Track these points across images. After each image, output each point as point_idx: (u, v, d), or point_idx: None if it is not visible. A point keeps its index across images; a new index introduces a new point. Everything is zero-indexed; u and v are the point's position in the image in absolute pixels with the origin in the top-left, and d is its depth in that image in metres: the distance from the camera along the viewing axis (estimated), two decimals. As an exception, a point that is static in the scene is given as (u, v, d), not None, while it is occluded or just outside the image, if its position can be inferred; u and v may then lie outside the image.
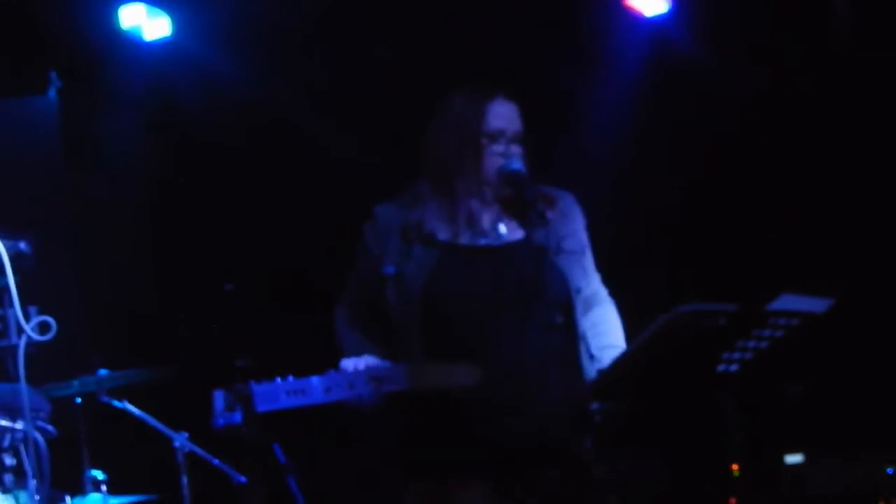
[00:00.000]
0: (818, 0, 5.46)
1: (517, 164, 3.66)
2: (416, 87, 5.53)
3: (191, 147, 5.91)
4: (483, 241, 3.70)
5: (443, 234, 3.69)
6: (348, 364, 3.47)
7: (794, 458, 4.94)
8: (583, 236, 3.76)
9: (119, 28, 5.68)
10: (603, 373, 3.47)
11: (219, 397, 3.34)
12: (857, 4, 5.40)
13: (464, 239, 3.69)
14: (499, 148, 3.69)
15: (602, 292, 3.72)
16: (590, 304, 3.66)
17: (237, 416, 3.29)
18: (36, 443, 3.56)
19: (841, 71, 5.40)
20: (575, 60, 5.64)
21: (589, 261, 3.74)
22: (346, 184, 5.79)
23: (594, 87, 5.63)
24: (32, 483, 3.49)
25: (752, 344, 3.18)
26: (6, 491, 3.74)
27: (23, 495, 3.69)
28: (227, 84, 5.73)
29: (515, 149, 3.71)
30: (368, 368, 3.40)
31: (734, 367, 3.21)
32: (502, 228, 3.71)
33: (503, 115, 3.71)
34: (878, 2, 5.36)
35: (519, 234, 3.66)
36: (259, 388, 3.33)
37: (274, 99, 5.79)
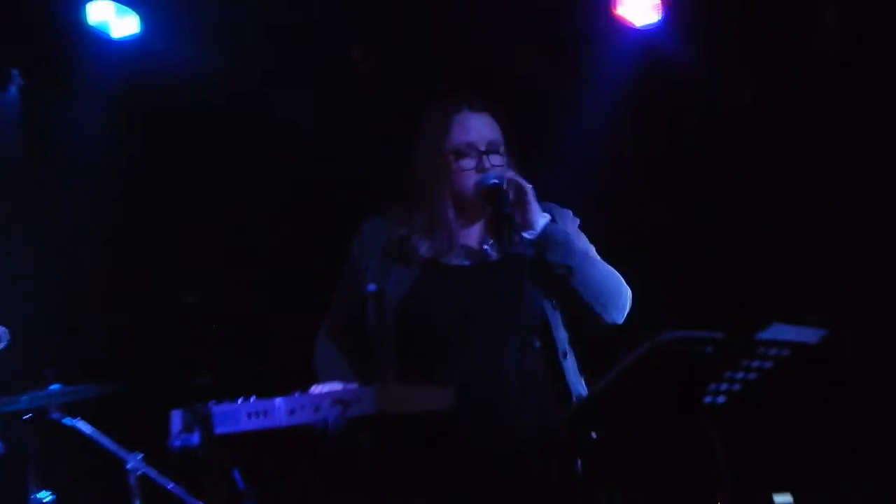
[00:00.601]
0: (807, 9, 5.48)
1: (492, 179, 3.67)
2: (396, 95, 5.54)
3: (158, 149, 5.87)
4: (465, 261, 3.73)
5: (425, 252, 3.72)
6: (316, 387, 3.48)
7: (782, 499, 4.91)
8: (580, 236, 3.77)
9: (86, 24, 5.67)
10: (580, 402, 3.49)
11: (176, 417, 3.32)
12: (844, 12, 5.41)
13: (446, 257, 3.72)
14: (468, 163, 3.71)
15: None
16: None
17: (195, 438, 3.26)
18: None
19: (831, 79, 5.42)
20: (564, 71, 5.65)
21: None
22: (323, 190, 5.79)
23: (583, 97, 5.63)
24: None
25: (740, 375, 3.15)
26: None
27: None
28: (197, 84, 5.71)
29: (495, 160, 3.71)
30: (334, 391, 3.38)
31: (721, 399, 3.19)
32: (487, 246, 3.73)
33: (471, 127, 3.74)
34: (866, 9, 5.38)
35: (504, 252, 3.67)
36: (219, 409, 3.30)
37: (245, 99, 5.75)
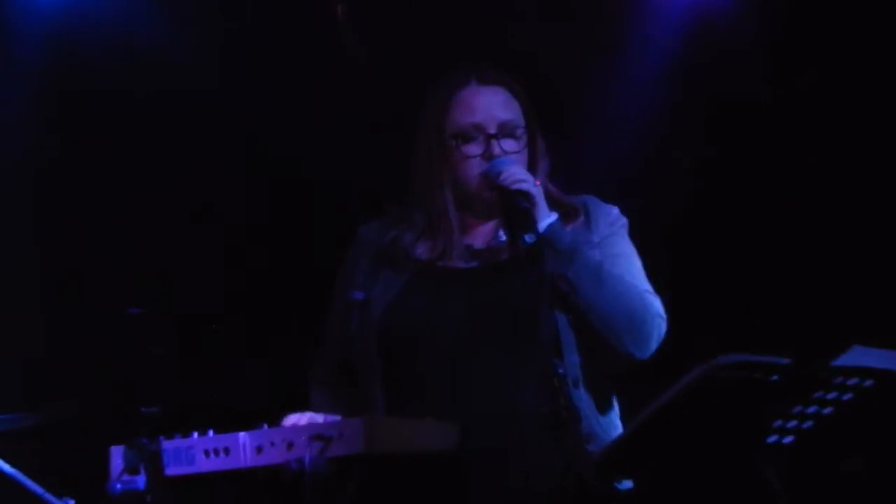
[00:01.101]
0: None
1: (504, 166, 3.69)
2: (395, 72, 5.54)
3: (93, 131, 5.85)
4: (468, 263, 3.75)
5: (422, 254, 3.74)
6: (289, 419, 3.49)
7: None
8: (619, 242, 3.79)
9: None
10: (614, 441, 3.47)
11: (117, 455, 3.33)
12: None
13: (445, 260, 3.75)
14: (474, 148, 3.73)
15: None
16: None
17: (140, 481, 3.26)
18: None
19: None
20: (595, 48, 5.64)
21: (630, 272, 3.75)
22: (288, 181, 5.78)
23: (617, 78, 5.63)
24: None
25: (812, 409, 3.16)
26: None
27: None
28: (143, 55, 5.69)
29: (508, 145, 3.73)
30: (313, 424, 3.39)
31: (789, 440, 3.20)
32: (497, 245, 3.75)
33: (477, 105, 3.76)
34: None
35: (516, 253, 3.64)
36: (170, 445, 3.32)
37: (199, 76, 5.74)
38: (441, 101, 3.79)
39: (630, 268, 3.78)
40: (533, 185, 3.65)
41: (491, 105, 3.76)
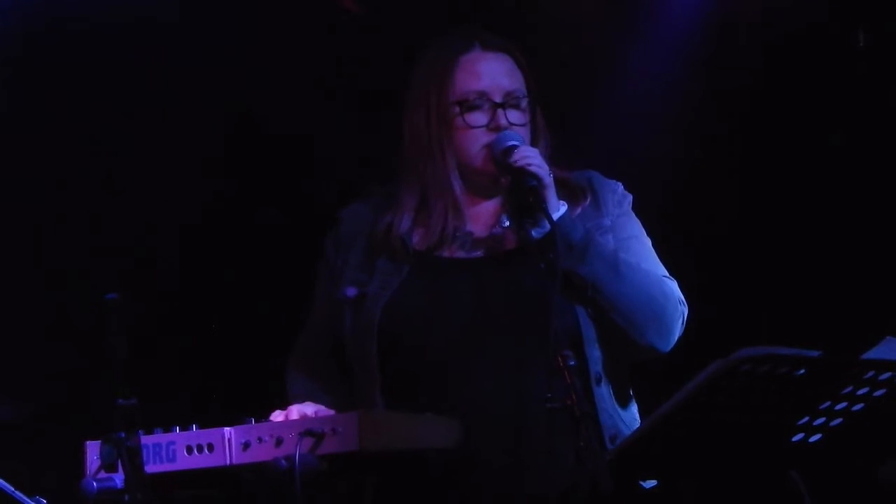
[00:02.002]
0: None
1: (513, 139, 3.62)
2: (385, 38, 5.49)
3: (59, 91, 5.79)
4: (472, 251, 3.69)
5: (418, 242, 3.68)
6: (278, 414, 3.44)
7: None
8: (628, 223, 3.75)
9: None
10: (628, 440, 3.40)
11: (93, 451, 3.30)
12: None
13: (447, 248, 3.69)
14: (479, 117, 3.66)
15: None
16: None
17: (118, 479, 3.21)
18: None
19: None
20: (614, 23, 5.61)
21: (644, 257, 3.71)
22: (285, 164, 5.76)
23: (638, 54, 5.60)
24: None
25: (841, 406, 3.11)
26: None
27: None
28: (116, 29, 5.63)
29: (514, 116, 3.67)
30: (304, 419, 3.34)
31: (816, 438, 3.16)
32: (501, 231, 3.69)
33: (483, 71, 3.70)
34: None
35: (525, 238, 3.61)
36: (150, 441, 3.30)
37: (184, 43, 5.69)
38: (441, 66, 3.72)
39: (643, 251, 3.76)
40: (548, 174, 3.59)
41: (496, 72, 3.71)
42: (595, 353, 3.62)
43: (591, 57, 5.60)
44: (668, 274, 3.75)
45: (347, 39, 5.70)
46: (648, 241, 3.80)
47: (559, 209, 3.61)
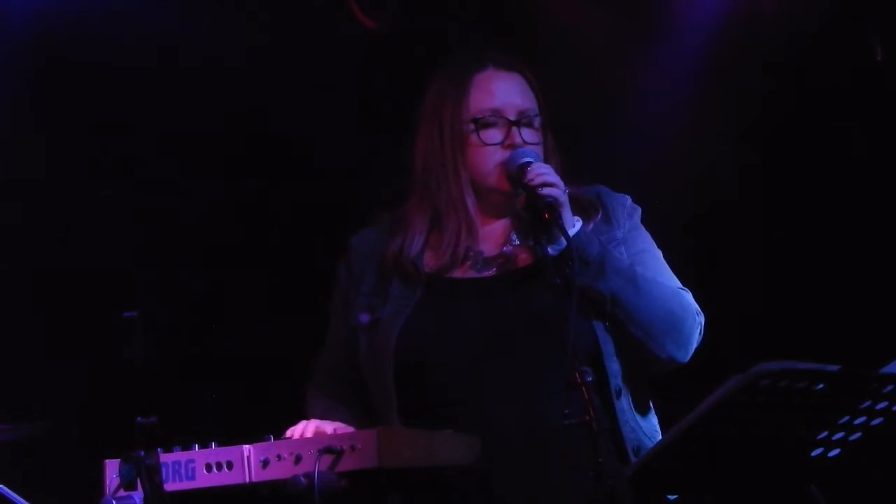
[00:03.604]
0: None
1: (528, 156, 3.65)
2: (397, 54, 5.51)
3: (82, 100, 5.80)
4: (485, 271, 3.72)
5: (430, 265, 3.71)
6: (295, 430, 3.48)
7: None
8: (639, 236, 3.77)
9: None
10: (647, 455, 3.43)
11: (112, 469, 3.31)
12: None
13: (459, 268, 3.72)
14: (494, 135, 3.68)
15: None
16: None
17: (137, 497, 3.22)
18: None
19: None
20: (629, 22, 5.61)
21: (658, 269, 3.73)
22: (299, 185, 5.75)
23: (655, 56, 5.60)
24: None
25: (860, 420, 3.11)
26: None
27: None
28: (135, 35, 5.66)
29: (527, 135, 3.70)
30: (323, 436, 3.37)
31: (835, 453, 3.16)
32: (511, 250, 3.72)
33: (497, 90, 3.74)
34: None
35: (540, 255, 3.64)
36: (170, 459, 3.32)
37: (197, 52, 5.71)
38: (456, 85, 3.75)
39: (656, 263, 3.79)
40: (563, 193, 3.61)
41: (510, 91, 3.74)
42: (614, 367, 3.64)
43: (604, 72, 5.60)
44: (682, 285, 3.77)
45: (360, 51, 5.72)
46: (660, 254, 3.82)
47: (575, 225, 3.63)
